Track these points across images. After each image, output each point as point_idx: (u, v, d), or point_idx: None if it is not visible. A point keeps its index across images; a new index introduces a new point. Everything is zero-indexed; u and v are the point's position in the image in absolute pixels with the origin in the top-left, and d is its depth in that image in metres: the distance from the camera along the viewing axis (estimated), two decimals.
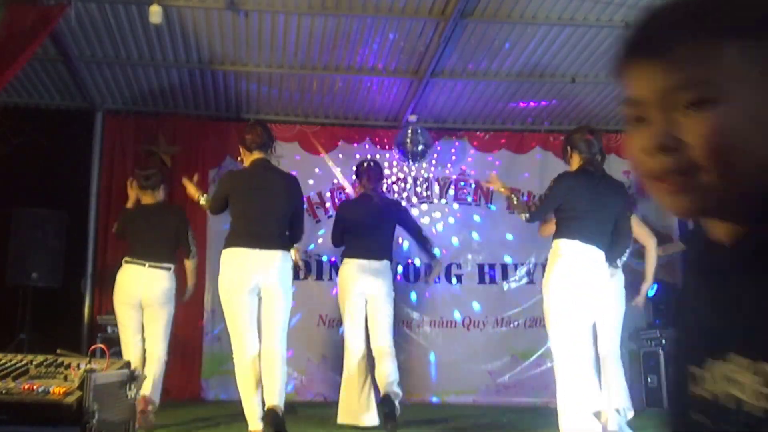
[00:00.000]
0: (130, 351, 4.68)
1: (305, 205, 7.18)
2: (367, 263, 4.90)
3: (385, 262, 4.97)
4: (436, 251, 5.95)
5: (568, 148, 4.26)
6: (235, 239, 4.00)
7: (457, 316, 7.40)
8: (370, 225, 4.95)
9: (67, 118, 7.32)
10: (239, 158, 4.65)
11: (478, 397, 7.19)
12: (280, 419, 4.00)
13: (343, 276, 5.03)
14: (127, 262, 4.80)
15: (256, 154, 4.18)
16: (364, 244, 4.95)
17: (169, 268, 4.82)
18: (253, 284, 4.00)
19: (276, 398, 3.99)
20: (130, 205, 5.10)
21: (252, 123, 4.51)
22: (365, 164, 5.34)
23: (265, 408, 3.99)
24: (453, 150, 7.78)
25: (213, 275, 6.59)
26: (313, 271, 7.34)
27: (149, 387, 4.48)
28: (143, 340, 4.81)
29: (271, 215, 4.07)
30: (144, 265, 4.74)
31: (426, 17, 5.69)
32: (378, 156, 7.66)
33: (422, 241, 5.38)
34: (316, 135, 7.64)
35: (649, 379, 6.92)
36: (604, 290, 4.12)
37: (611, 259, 4.18)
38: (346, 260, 5.05)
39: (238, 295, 4.02)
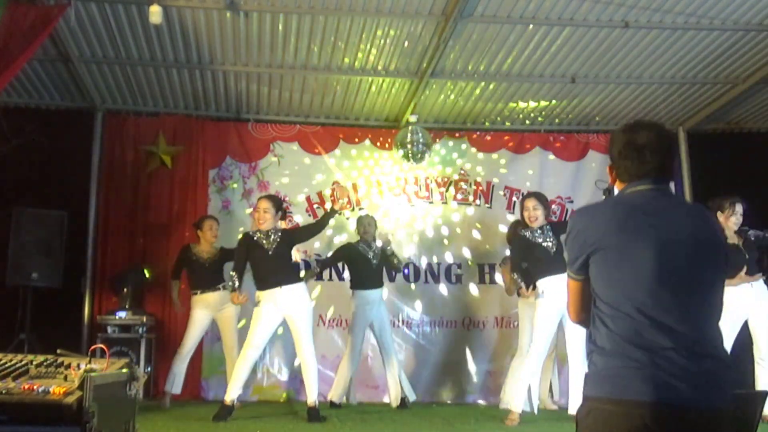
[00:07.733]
0: None
1: (306, 205, 7.28)
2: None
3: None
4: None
5: None
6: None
7: (456, 316, 7.39)
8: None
9: (67, 118, 7.30)
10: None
11: (478, 397, 7.19)
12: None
13: None
14: None
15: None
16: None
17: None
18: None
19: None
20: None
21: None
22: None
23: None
24: (453, 150, 7.78)
25: None
26: None
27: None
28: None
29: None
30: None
31: (426, 17, 5.69)
32: (378, 156, 7.69)
33: None
34: (316, 135, 7.64)
35: None
36: None
37: None
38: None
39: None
